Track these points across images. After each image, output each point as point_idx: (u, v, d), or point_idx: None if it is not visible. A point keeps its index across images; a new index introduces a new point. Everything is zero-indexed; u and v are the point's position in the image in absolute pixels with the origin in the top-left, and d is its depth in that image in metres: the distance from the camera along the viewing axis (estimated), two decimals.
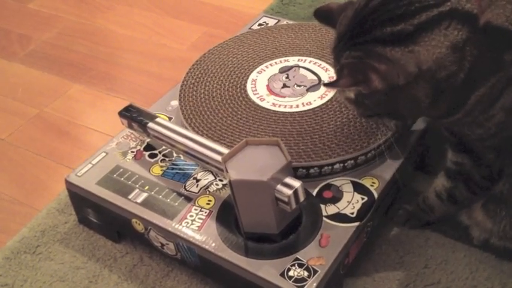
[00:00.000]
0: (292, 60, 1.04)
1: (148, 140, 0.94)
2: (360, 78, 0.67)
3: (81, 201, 0.91)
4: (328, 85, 0.70)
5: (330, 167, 0.85)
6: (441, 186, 0.84)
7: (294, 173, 0.81)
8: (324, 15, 0.78)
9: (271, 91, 0.98)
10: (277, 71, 1.02)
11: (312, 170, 0.85)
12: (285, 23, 1.17)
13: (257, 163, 0.75)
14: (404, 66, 0.66)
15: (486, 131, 0.71)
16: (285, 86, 0.99)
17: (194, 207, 0.83)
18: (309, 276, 0.74)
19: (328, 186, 0.84)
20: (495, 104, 0.69)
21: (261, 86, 1.00)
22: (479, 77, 0.67)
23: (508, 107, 0.69)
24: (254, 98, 0.97)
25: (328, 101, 0.94)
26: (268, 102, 0.96)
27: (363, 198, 0.82)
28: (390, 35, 0.66)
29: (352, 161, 0.85)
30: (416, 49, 0.66)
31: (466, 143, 0.77)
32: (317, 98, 0.95)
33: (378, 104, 0.71)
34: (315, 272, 0.74)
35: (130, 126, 0.95)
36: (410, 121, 0.87)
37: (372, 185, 0.84)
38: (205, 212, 0.83)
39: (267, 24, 1.17)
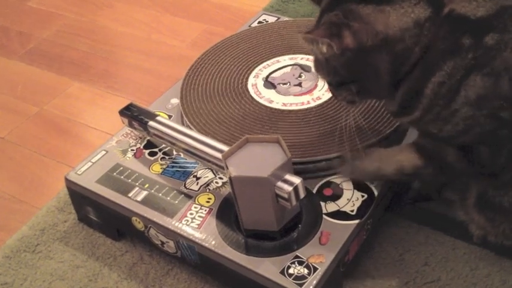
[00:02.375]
0: (294, 58, 1.04)
1: (148, 138, 0.94)
2: (333, 31, 0.69)
3: (81, 199, 0.91)
4: (303, 35, 0.71)
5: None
6: (408, 163, 0.80)
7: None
8: None
9: (272, 89, 0.98)
10: (278, 68, 1.02)
11: (310, 166, 0.85)
12: (285, 20, 1.17)
13: (257, 160, 0.75)
14: (374, 24, 0.68)
15: (454, 127, 0.71)
16: (287, 83, 0.99)
17: (194, 205, 0.83)
18: (309, 274, 0.74)
19: (328, 184, 0.84)
20: (456, 98, 0.69)
21: (262, 83, 0.99)
22: (437, 57, 0.69)
23: (473, 101, 0.69)
24: (255, 95, 0.97)
25: (328, 99, 0.94)
26: (270, 100, 0.96)
27: (362, 196, 0.82)
28: None
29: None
30: (387, 9, 0.69)
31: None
32: (318, 96, 0.95)
33: (346, 67, 0.72)
34: (315, 269, 0.74)
35: (130, 125, 0.95)
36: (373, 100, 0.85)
37: (372, 182, 0.84)
38: (205, 210, 0.83)
39: (267, 21, 1.17)
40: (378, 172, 0.82)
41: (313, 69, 0.80)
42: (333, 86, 0.77)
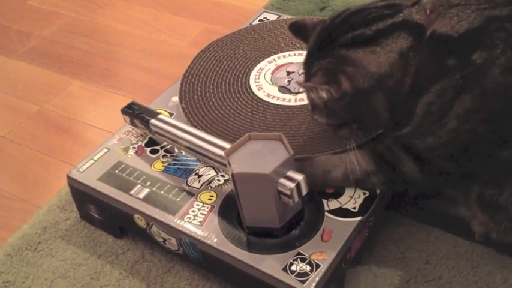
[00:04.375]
0: (294, 55, 1.04)
1: (150, 135, 0.94)
2: (330, 78, 0.71)
3: (82, 197, 0.91)
4: (302, 83, 0.75)
5: None
6: (358, 167, 0.80)
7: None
8: (298, 30, 0.82)
9: (274, 85, 0.98)
10: (279, 66, 1.02)
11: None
12: (286, 18, 1.17)
13: (260, 157, 0.75)
14: (367, 67, 0.70)
15: (437, 139, 0.73)
16: (287, 80, 0.99)
17: (196, 202, 0.83)
18: (311, 271, 0.74)
19: None
20: (449, 113, 0.70)
21: (263, 80, 1.00)
22: (424, 82, 0.70)
23: (461, 115, 0.70)
24: (257, 92, 0.97)
25: None
26: (271, 96, 0.96)
27: (364, 193, 0.82)
28: (351, 39, 0.71)
29: None
30: (377, 50, 0.70)
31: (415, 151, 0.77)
32: None
33: (345, 109, 0.73)
34: (318, 266, 0.74)
35: (132, 123, 0.95)
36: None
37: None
38: (207, 207, 0.83)
39: (268, 19, 1.17)
40: (325, 176, 0.82)
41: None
42: (333, 127, 0.78)
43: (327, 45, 0.74)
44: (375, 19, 0.72)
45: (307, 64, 0.77)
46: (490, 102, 0.69)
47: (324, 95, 0.72)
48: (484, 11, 0.70)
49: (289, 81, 0.99)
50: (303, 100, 0.95)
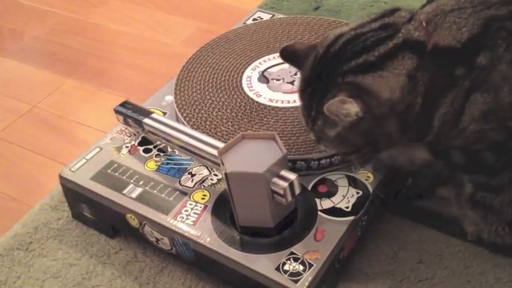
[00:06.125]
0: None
1: (143, 135, 0.94)
2: (354, 93, 0.69)
3: (75, 196, 0.91)
4: (333, 100, 0.70)
5: (327, 160, 0.85)
6: (419, 156, 0.82)
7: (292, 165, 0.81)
8: (289, 56, 0.80)
9: (266, 85, 0.98)
10: (272, 66, 1.02)
11: (312, 163, 0.85)
12: (280, 17, 1.17)
13: (253, 156, 0.75)
14: (379, 93, 0.69)
15: (464, 140, 0.73)
16: (281, 80, 0.99)
17: (189, 201, 0.83)
18: (304, 270, 0.74)
19: (323, 181, 0.84)
20: (462, 118, 0.70)
21: (256, 80, 0.99)
22: (436, 97, 0.70)
23: (478, 117, 0.70)
24: (250, 92, 0.97)
25: None
26: (264, 97, 0.96)
27: (357, 193, 0.82)
28: (356, 67, 0.70)
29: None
30: (385, 74, 0.69)
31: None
32: None
33: (359, 135, 0.73)
34: (310, 266, 0.74)
35: (125, 122, 0.94)
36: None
37: (366, 179, 0.84)
38: (201, 207, 0.82)
39: (262, 19, 1.17)
40: (392, 162, 0.83)
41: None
42: (343, 154, 0.78)
43: (328, 75, 0.72)
44: (374, 44, 0.70)
45: (306, 93, 0.75)
46: (506, 97, 0.68)
47: (332, 132, 0.72)
48: (480, 13, 0.69)
49: (282, 81, 0.99)
50: (295, 101, 0.95)
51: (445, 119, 0.71)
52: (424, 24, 0.70)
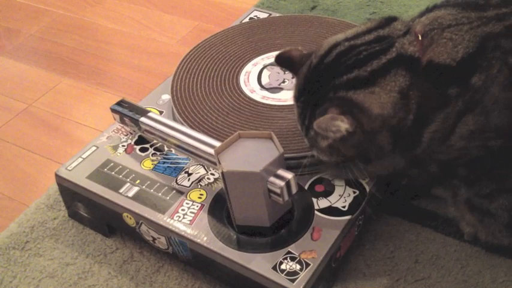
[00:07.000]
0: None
1: (140, 133, 0.94)
2: (345, 110, 0.69)
3: (71, 195, 0.90)
4: (324, 117, 0.70)
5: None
6: (398, 166, 0.82)
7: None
8: (285, 62, 0.80)
9: (263, 84, 0.98)
10: (269, 64, 1.02)
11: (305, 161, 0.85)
12: (276, 16, 1.16)
13: (250, 155, 0.75)
14: (370, 109, 0.69)
15: (447, 155, 0.74)
16: (277, 79, 0.99)
17: (186, 201, 0.83)
18: (301, 270, 0.74)
19: (320, 180, 0.84)
20: (451, 137, 0.71)
21: (253, 79, 0.99)
22: (427, 114, 0.70)
23: (466, 136, 0.70)
24: (247, 91, 0.97)
25: None
26: (261, 95, 0.96)
27: (354, 192, 0.82)
28: (347, 82, 0.70)
29: None
30: (377, 90, 0.69)
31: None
32: None
33: (351, 147, 0.73)
34: (307, 265, 0.74)
35: (122, 121, 0.94)
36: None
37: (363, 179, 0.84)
38: (197, 206, 0.82)
39: (258, 18, 1.17)
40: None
41: None
42: (336, 163, 0.78)
43: (320, 87, 0.72)
44: (367, 58, 0.70)
45: (299, 101, 0.75)
46: (495, 120, 0.68)
47: (324, 143, 0.72)
48: (477, 30, 0.69)
49: (279, 80, 0.99)
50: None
51: (434, 136, 0.71)
52: (419, 37, 0.70)
